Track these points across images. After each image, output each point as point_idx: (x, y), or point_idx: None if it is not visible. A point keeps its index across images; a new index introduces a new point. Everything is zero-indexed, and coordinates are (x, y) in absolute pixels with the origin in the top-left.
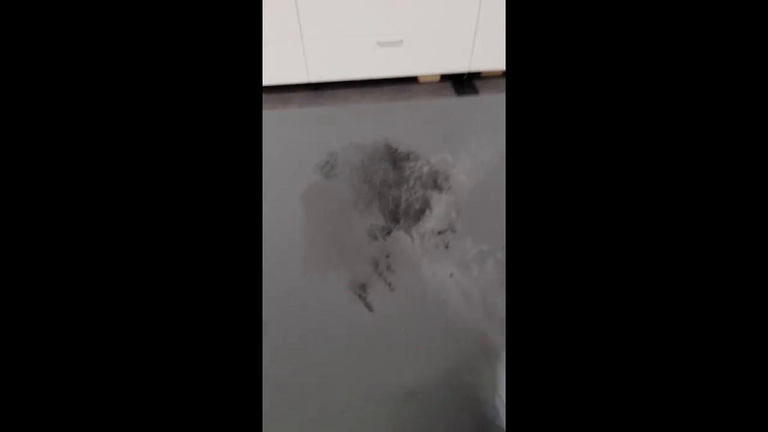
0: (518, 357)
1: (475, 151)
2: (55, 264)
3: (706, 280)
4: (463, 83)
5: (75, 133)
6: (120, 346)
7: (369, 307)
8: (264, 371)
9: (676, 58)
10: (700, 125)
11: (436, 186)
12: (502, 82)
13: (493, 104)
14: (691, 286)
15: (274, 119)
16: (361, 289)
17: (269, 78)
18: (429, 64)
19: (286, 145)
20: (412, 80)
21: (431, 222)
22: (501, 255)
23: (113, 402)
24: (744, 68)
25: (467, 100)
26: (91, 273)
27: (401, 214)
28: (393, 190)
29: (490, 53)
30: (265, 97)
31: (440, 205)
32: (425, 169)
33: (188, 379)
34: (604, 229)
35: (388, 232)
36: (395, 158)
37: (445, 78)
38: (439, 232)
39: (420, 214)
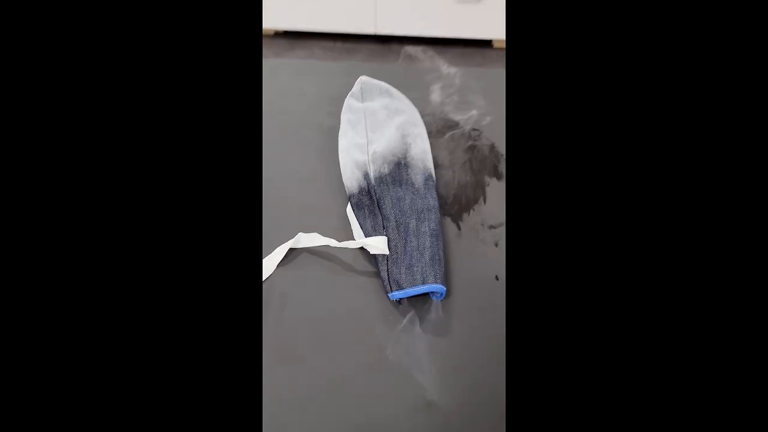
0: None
1: None
2: (44, 245)
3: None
4: None
5: (61, 97)
6: (116, 344)
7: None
8: (271, 373)
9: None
10: (700, 98)
11: (496, 173)
12: None
13: None
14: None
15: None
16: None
17: (333, 24)
18: None
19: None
20: (485, 44)
21: (484, 213)
22: None
23: (113, 401)
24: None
25: None
26: (83, 259)
27: (450, 198)
28: (444, 169)
29: None
30: (328, 45)
31: (497, 195)
32: (486, 150)
33: (185, 378)
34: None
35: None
36: (453, 133)
37: None
38: (491, 227)
39: (472, 202)
